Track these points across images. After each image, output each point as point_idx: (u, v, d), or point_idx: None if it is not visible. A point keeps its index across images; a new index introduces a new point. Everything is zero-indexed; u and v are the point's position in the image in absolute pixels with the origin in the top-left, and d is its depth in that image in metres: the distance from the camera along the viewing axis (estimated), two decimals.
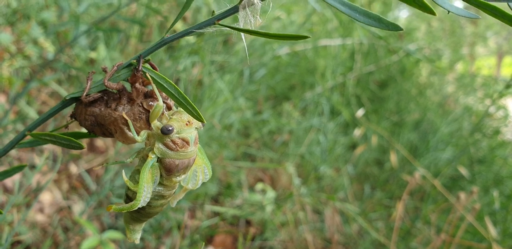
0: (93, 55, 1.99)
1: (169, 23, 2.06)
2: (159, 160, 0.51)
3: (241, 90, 2.01)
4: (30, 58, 1.90)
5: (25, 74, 1.91)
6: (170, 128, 0.49)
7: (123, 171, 0.52)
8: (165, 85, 0.47)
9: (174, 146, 0.50)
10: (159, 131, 0.49)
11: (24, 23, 1.98)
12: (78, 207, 1.77)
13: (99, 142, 2.06)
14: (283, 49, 2.05)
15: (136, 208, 0.50)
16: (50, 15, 1.94)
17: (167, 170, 0.51)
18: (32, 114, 1.76)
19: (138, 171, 0.52)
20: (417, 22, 3.67)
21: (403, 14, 4.00)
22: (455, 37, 3.76)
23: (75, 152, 1.93)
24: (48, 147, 1.84)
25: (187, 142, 0.50)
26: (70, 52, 2.02)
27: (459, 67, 3.74)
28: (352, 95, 2.60)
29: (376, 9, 2.96)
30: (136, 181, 0.51)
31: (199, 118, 0.48)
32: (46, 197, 1.77)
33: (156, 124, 0.49)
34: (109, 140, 2.04)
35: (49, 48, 1.91)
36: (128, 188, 0.53)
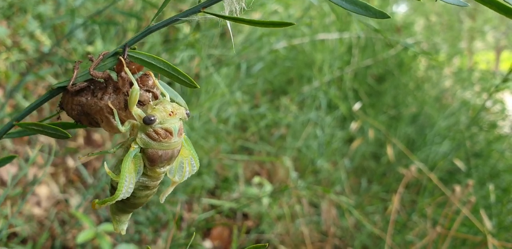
0: (90, 48, 1.98)
1: (166, 16, 2.06)
2: (142, 150, 0.51)
3: (238, 84, 2.02)
4: (27, 51, 1.90)
5: (22, 68, 1.91)
6: (152, 118, 0.48)
7: (104, 162, 0.52)
8: (153, 63, 0.47)
9: (157, 137, 0.49)
10: (142, 121, 0.49)
11: (20, 17, 1.98)
12: (75, 200, 1.77)
13: (96, 135, 2.06)
14: (281, 43, 2.05)
15: (120, 198, 0.50)
16: (46, 8, 1.94)
17: (150, 161, 0.51)
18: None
19: (121, 161, 0.51)
20: (415, 17, 3.67)
21: (401, 9, 4.00)
22: (453, 31, 3.76)
23: (72, 145, 1.93)
24: (44, 140, 1.84)
25: (170, 133, 0.50)
26: (67, 45, 2.02)
27: (457, 61, 3.74)
28: (350, 89, 2.60)
29: (374, 3, 2.95)
30: (120, 172, 0.51)
31: (193, 85, 0.48)
32: (43, 191, 1.77)
33: (138, 112, 0.49)
34: (106, 134, 2.05)
35: (46, 42, 1.91)
36: (112, 179, 0.52)
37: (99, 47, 1.93)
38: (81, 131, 2.00)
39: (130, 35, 2.12)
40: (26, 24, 1.89)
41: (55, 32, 2.02)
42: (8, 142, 1.75)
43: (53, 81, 1.91)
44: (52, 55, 1.64)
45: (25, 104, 1.77)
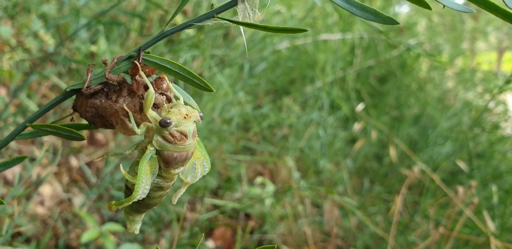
0: (93, 48, 1.99)
1: (170, 16, 2.06)
2: (158, 152, 0.52)
3: (241, 84, 2.02)
4: (31, 51, 1.91)
5: (26, 67, 1.91)
6: (168, 121, 0.49)
7: (121, 164, 0.52)
8: (168, 66, 0.48)
9: (172, 139, 0.50)
10: (158, 124, 0.50)
11: (24, 17, 1.98)
12: (78, 200, 1.78)
13: (100, 135, 2.06)
14: (283, 43, 2.05)
15: (136, 200, 0.51)
16: (50, 8, 1.94)
17: (165, 163, 0.52)
18: (33, 107, 1.77)
19: (137, 163, 0.52)
20: (417, 17, 3.67)
21: (404, 9, 4.00)
22: (456, 32, 3.76)
23: (75, 145, 1.94)
24: (48, 140, 1.84)
25: (185, 135, 0.51)
26: (71, 45, 2.02)
27: (460, 62, 3.74)
28: (352, 90, 2.61)
29: (377, 4, 2.95)
30: (135, 173, 0.52)
31: (208, 89, 0.49)
32: (46, 190, 1.77)
33: (153, 115, 0.50)
34: (109, 134, 2.05)
35: (50, 42, 1.91)
36: (127, 180, 0.53)
37: (102, 47, 1.93)
38: (84, 132, 2.00)
39: (134, 35, 2.12)
40: (30, 24, 1.89)
41: (58, 31, 2.02)
42: (12, 142, 1.75)
43: (57, 81, 1.91)
44: (56, 55, 1.64)
45: (29, 103, 1.78)
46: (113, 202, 0.51)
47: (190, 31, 1.94)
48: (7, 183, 1.68)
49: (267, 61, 2.13)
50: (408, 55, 2.89)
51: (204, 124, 1.89)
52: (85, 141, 2.01)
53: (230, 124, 2.12)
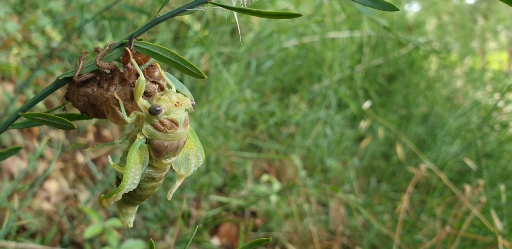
0: (100, 45, 1.99)
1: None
2: (148, 141, 0.50)
3: (248, 82, 2.01)
4: (37, 47, 1.91)
5: (32, 63, 1.92)
6: (158, 108, 0.48)
7: (109, 156, 0.51)
8: (160, 53, 0.47)
9: (163, 127, 0.49)
10: (147, 111, 0.48)
11: (31, 13, 1.99)
12: (84, 195, 1.78)
13: (106, 132, 2.06)
14: (291, 41, 2.04)
15: (126, 190, 0.50)
16: (57, 4, 1.95)
17: (156, 152, 0.51)
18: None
19: (127, 153, 0.51)
20: (427, 16, 3.64)
21: (414, 8, 3.98)
22: (465, 31, 3.73)
23: (81, 141, 1.94)
24: (54, 135, 1.85)
25: (176, 124, 0.50)
26: (78, 42, 2.02)
27: (469, 61, 3.70)
28: (360, 88, 2.59)
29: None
30: (125, 163, 0.51)
31: (200, 76, 0.48)
32: (52, 186, 1.78)
33: (143, 103, 0.49)
34: (116, 130, 2.05)
35: (57, 38, 1.92)
36: (118, 171, 0.52)
37: None
38: (91, 127, 2.01)
39: None
40: (37, 20, 1.89)
41: (66, 28, 2.03)
42: (18, 137, 1.76)
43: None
44: (62, 51, 1.64)
45: None
46: (102, 195, 0.50)
47: (197, 28, 1.94)
48: (13, 178, 1.69)
49: (274, 58, 2.12)
50: (417, 53, 2.87)
51: (210, 121, 1.89)
52: (91, 137, 2.02)
53: (236, 121, 2.11)
